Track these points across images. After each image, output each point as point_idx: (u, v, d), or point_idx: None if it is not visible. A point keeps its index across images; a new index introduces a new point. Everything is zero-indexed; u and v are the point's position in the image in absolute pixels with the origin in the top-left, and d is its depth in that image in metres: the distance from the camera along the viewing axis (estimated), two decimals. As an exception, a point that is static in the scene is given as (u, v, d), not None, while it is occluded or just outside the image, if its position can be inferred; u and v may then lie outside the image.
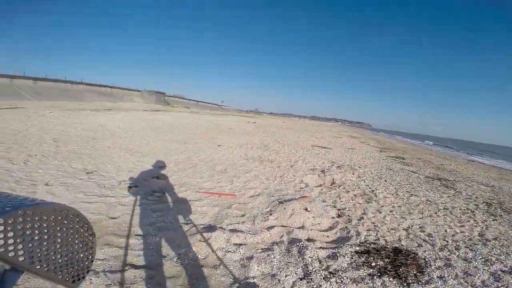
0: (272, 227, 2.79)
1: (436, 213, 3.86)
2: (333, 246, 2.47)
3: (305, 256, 2.20)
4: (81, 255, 0.41)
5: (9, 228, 0.30)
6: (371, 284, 1.87)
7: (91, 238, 0.43)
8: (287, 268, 2.00)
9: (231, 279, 1.83)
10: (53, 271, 0.36)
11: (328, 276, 1.91)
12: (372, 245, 2.52)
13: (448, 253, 2.56)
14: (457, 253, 2.58)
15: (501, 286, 2.06)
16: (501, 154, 33.57)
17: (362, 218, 3.33)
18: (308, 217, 3.16)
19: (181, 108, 34.84)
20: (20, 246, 0.31)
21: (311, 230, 2.85)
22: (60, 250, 0.37)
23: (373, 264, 2.13)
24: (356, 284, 1.85)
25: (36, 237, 0.34)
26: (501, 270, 2.33)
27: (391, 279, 1.95)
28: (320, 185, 4.78)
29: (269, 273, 1.93)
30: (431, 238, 2.88)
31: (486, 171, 10.73)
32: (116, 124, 10.38)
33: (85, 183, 3.62)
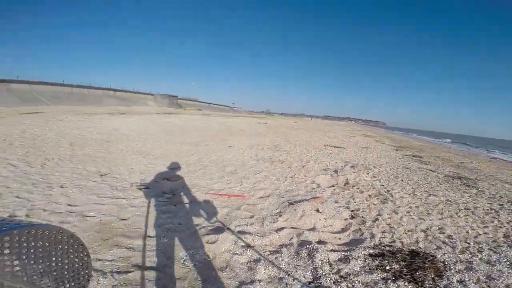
0: (282, 228, 2.72)
1: (457, 213, 3.65)
2: (345, 249, 2.37)
3: (315, 259, 2.12)
4: (77, 275, 0.42)
5: (5, 246, 0.31)
6: (385, 289, 1.77)
7: (86, 259, 0.43)
8: (296, 271, 1.93)
9: (236, 282, 1.79)
10: None
11: (339, 280, 1.83)
12: (387, 248, 2.40)
13: (470, 255, 2.39)
14: (479, 256, 2.40)
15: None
16: (526, 151, 31.58)
17: (377, 219, 3.19)
18: (320, 219, 3.06)
19: (193, 111, 35.37)
20: (16, 265, 0.32)
21: (322, 232, 2.75)
22: (55, 270, 0.38)
23: (388, 267, 2.01)
24: (368, 289, 1.75)
25: (32, 257, 0.35)
26: (530, 275, 2.14)
27: (406, 283, 1.83)
28: (333, 186, 4.65)
29: (276, 276, 1.87)
30: (451, 240, 2.71)
31: (510, 169, 10.11)
32: (129, 127, 10.65)
33: (98, 185, 3.70)
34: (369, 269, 1.99)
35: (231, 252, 2.18)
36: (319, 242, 2.50)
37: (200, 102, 56.83)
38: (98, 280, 1.70)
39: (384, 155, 9.29)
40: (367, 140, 16.19)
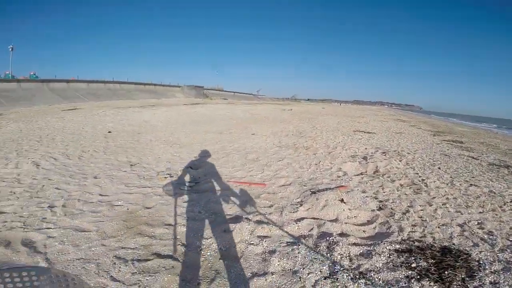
0: (302, 219, 2.63)
1: (501, 207, 3.21)
2: (369, 243, 2.22)
3: (334, 253, 2.02)
4: None
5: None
6: (408, 289, 1.62)
7: None
8: (312, 265, 1.85)
9: (249, 274, 1.77)
10: None
11: (357, 277, 1.71)
12: (416, 243, 2.19)
13: (511, 255, 2.09)
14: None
15: None
16: None
17: (407, 211, 2.94)
18: (344, 209, 2.90)
19: (218, 100, 35.87)
20: None
21: (346, 223, 2.61)
22: None
23: (414, 265, 1.84)
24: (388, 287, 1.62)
25: None
26: None
27: (431, 283, 1.66)
28: (361, 174, 4.38)
29: (290, 269, 1.82)
30: (491, 237, 2.39)
31: None
32: (158, 118, 11.13)
33: (127, 175, 3.93)
34: (393, 266, 1.84)
35: (246, 242, 2.17)
36: (341, 234, 2.37)
37: (225, 91, 57.39)
38: (120, 268, 1.80)
39: (419, 141, 8.56)
40: (401, 125, 15.05)
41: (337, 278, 1.70)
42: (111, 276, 1.72)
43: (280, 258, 1.93)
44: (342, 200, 3.13)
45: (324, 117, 16.52)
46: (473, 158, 6.26)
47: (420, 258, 1.93)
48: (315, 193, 3.33)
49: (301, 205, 2.97)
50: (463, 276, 1.72)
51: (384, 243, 2.18)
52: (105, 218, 2.54)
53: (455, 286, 1.63)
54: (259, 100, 53.70)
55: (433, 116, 45.80)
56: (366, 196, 3.30)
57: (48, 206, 2.74)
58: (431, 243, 2.22)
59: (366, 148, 6.35)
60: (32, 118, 9.88)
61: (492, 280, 1.72)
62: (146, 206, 2.87)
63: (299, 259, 1.94)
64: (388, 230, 2.48)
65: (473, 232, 2.46)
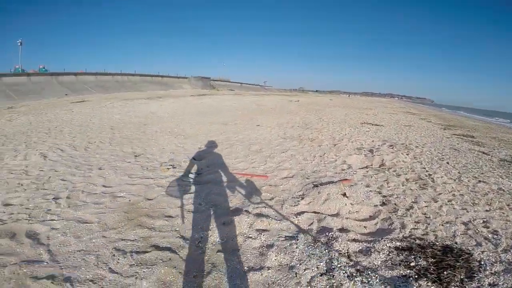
0: (302, 213, 2.61)
1: (509, 205, 3.08)
2: (369, 239, 2.18)
3: (332, 249, 1.99)
4: None
5: None
6: (404, 288, 1.58)
7: None
8: (309, 260, 1.84)
9: (245, 268, 1.77)
10: None
11: (354, 274, 1.68)
12: (417, 241, 2.14)
13: None
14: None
15: None
16: None
17: (411, 207, 2.87)
18: (346, 204, 2.86)
19: (225, 91, 35.73)
20: None
21: (347, 219, 2.57)
22: None
23: (413, 264, 1.79)
24: (384, 286, 1.59)
25: None
26: None
27: (429, 283, 1.61)
28: (366, 167, 4.29)
29: (287, 264, 1.81)
30: (495, 236, 2.31)
31: None
32: (165, 110, 11.19)
33: (131, 166, 3.97)
34: (391, 264, 1.80)
35: (245, 235, 2.17)
36: (341, 230, 2.34)
37: (232, 82, 57.06)
38: (119, 260, 1.83)
39: (429, 134, 8.32)
40: (411, 118, 14.64)
41: (334, 275, 1.68)
42: (110, 268, 1.76)
43: (278, 253, 1.93)
44: (344, 194, 3.08)
45: (332, 109, 16.23)
46: (483, 153, 6.05)
47: (420, 257, 1.89)
48: (317, 186, 3.28)
49: (302, 198, 2.94)
50: (462, 277, 1.67)
51: (385, 240, 2.14)
52: (107, 210, 2.59)
53: (453, 287, 1.58)
54: (266, 91, 53.22)
55: (444, 110, 44.31)
56: (370, 191, 3.23)
57: (53, 198, 2.81)
58: (433, 241, 2.16)
59: (373, 141, 6.21)
60: (42, 111, 10.09)
61: (491, 282, 1.66)
62: (148, 197, 2.91)
63: (297, 254, 1.92)
64: (389, 227, 2.43)
65: (477, 231, 2.38)
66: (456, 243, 2.16)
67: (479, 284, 1.64)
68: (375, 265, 1.79)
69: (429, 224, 2.48)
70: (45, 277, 1.64)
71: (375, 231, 2.38)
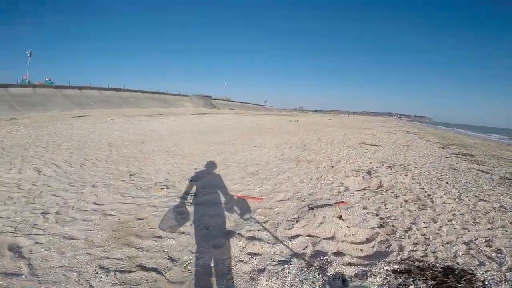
0: (296, 236, 2.53)
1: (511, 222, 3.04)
2: (366, 263, 2.09)
3: (326, 273, 1.90)
4: None
5: None
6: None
7: None
8: (301, 286, 1.75)
9: (233, 294, 1.68)
10: None
11: (349, 302, 1.60)
12: (416, 263, 2.06)
13: None
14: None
15: None
16: None
17: (410, 228, 2.79)
18: (342, 227, 2.78)
19: (225, 110, 36.27)
20: None
21: (342, 242, 2.49)
22: None
23: (411, 287, 1.71)
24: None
25: None
26: None
27: None
28: (364, 189, 4.23)
29: (278, 290, 1.72)
30: (499, 255, 2.23)
31: None
32: (164, 128, 11.28)
33: (125, 185, 3.92)
34: (389, 288, 1.72)
35: (236, 259, 2.09)
36: (337, 253, 2.26)
37: (233, 101, 58.12)
38: (101, 278, 1.76)
39: (427, 154, 8.31)
40: (410, 137, 14.72)
41: (326, 303, 1.59)
42: (91, 285, 1.69)
43: (269, 278, 1.84)
44: (340, 217, 3.01)
45: (330, 129, 16.37)
46: (483, 172, 6.00)
47: (419, 279, 1.80)
48: (312, 209, 3.21)
49: (297, 221, 2.86)
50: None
51: (382, 263, 2.06)
52: (96, 227, 2.53)
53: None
54: (266, 111, 54.02)
55: (441, 128, 44.62)
56: (367, 213, 3.16)
57: (42, 213, 2.77)
58: (433, 262, 2.08)
59: (371, 162, 6.18)
60: (43, 124, 10.17)
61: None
62: (139, 217, 2.83)
63: (289, 279, 1.83)
64: (387, 249, 2.34)
65: (479, 250, 2.31)
66: (457, 263, 2.08)
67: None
68: (371, 291, 1.70)
69: (428, 245, 2.41)
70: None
71: (372, 254, 2.29)
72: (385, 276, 1.88)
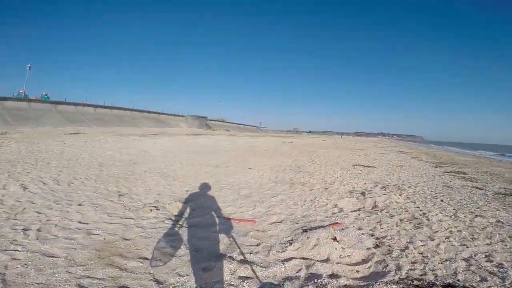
0: (290, 259, 2.43)
1: (510, 236, 3.02)
2: (362, 284, 2.00)
3: (321, 297, 1.80)
4: None
5: None
6: None
7: None
8: (295, 311, 1.64)
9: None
10: None
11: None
12: (415, 282, 1.98)
13: None
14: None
15: None
16: None
17: (407, 247, 2.73)
18: (336, 248, 2.69)
19: (220, 131, 36.46)
20: None
21: (337, 264, 2.40)
22: None
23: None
24: None
25: None
26: None
27: None
28: (358, 210, 4.16)
29: (269, 316, 1.60)
30: (501, 270, 2.20)
31: None
32: (158, 148, 11.18)
33: (113, 205, 3.78)
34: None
35: (226, 283, 1.97)
36: (332, 275, 2.16)
37: (228, 122, 58.73)
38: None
39: (421, 174, 8.36)
40: (402, 157, 14.90)
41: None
42: None
43: (260, 303, 1.72)
44: (335, 239, 2.93)
45: (324, 150, 16.47)
46: (477, 188, 6.05)
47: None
48: (306, 231, 3.13)
49: (290, 244, 2.77)
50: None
51: (379, 284, 1.97)
52: (78, 246, 2.43)
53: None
54: (261, 132, 54.54)
55: (433, 146, 45.29)
56: (362, 233, 3.09)
57: (23, 229, 2.68)
58: (433, 281, 2.01)
59: (365, 183, 6.17)
60: (34, 140, 9.99)
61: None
62: (125, 237, 2.70)
63: (281, 304, 1.72)
64: (384, 269, 2.26)
65: (480, 266, 2.27)
66: (458, 280, 2.01)
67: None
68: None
69: (427, 263, 2.35)
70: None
71: (368, 275, 2.20)
72: (383, 298, 1.79)
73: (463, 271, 2.20)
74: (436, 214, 3.86)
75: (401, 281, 2.01)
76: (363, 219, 3.65)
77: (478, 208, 4.28)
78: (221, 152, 11.45)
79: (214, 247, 2.62)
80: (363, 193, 5.17)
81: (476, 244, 2.80)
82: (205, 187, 5.28)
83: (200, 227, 3.16)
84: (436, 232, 3.18)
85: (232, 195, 4.80)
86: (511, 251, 2.59)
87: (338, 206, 4.31)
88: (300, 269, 2.24)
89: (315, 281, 2.03)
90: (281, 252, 2.57)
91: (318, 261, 2.41)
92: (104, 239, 2.61)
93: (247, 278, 2.05)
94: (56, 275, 1.92)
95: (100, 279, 1.91)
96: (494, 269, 2.23)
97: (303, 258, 2.46)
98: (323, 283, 1.99)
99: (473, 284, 1.96)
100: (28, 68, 30.88)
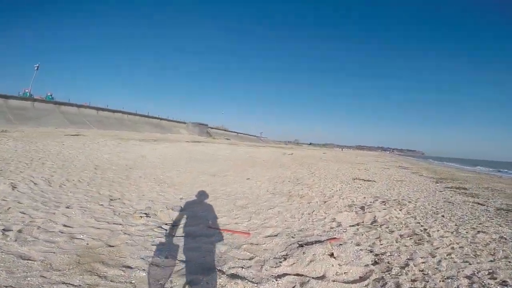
0: (283, 275, 2.29)
1: None
2: (359, 304, 1.85)
3: (314, 317, 1.65)
4: None
5: None
6: None
7: None
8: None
9: None
10: None
11: None
12: (416, 304, 1.83)
13: None
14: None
15: None
16: None
17: (407, 265, 2.59)
18: (333, 265, 2.55)
19: (221, 140, 36.40)
20: None
21: (334, 281, 2.26)
22: None
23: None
24: None
25: None
26: None
27: None
28: (357, 224, 4.01)
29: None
30: (506, 286, 2.09)
31: None
32: (157, 154, 11.08)
33: (102, 209, 3.65)
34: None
35: (213, 297, 1.83)
36: (327, 293, 2.01)
37: (229, 131, 58.85)
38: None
39: (421, 189, 8.20)
40: (403, 172, 14.72)
41: None
42: None
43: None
44: (332, 255, 2.78)
45: (324, 163, 16.31)
46: (479, 204, 5.91)
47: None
48: (302, 246, 2.98)
49: (285, 259, 2.63)
50: None
51: (377, 305, 1.82)
52: (58, 250, 2.31)
53: None
54: (261, 143, 54.48)
55: (433, 162, 44.90)
56: (360, 249, 2.94)
57: (3, 229, 2.58)
58: None
59: (364, 197, 6.01)
60: (33, 139, 9.92)
61: None
62: (110, 244, 2.57)
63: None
64: (382, 288, 2.11)
65: (483, 284, 2.17)
66: None
67: None
68: None
69: (427, 281, 2.23)
70: None
71: (366, 294, 2.05)
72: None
73: (466, 289, 2.08)
74: (438, 230, 3.73)
75: (400, 302, 1.87)
76: (362, 234, 3.51)
77: (480, 224, 4.16)
78: (220, 161, 11.33)
79: (204, 259, 2.49)
80: (362, 208, 5.02)
81: (479, 261, 2.70)
82: (200, 195, 5.14)
83: (191, 237, 3.03)
84: (438, 248, 3.05)
85: (228, 205, 4.67)
86: (517, 268, 2.46)
87: (336, 220, 4.16)
88: (294, 286, 2.10)
89: (309, 299, 1.88)
90: (275, 267, 2.43)
91: (313, 278, 2.27)
92: (87, 244, 2.49)
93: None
94: (29, 278, 1.82)
95: (76, 286, 1.80)
96: (498, 287, 2.16)
97: (298, 275, 2.32)
98: (317, 301, 1.84)
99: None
100: (36, 68, 31.18)
